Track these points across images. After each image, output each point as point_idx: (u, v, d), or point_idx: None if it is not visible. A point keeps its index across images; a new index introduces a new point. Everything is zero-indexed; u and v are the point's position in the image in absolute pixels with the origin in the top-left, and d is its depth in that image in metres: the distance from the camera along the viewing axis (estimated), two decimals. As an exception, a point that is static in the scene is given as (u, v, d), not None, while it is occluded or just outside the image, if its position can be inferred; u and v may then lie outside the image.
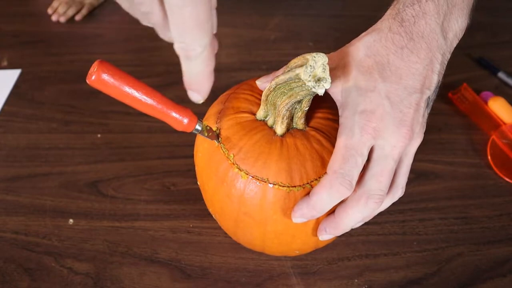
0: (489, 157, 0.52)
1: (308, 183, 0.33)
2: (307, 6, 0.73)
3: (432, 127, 0.57)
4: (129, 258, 0.42)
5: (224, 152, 0.34)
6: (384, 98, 0.31)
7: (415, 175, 0.51)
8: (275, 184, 0.33)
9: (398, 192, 0.35)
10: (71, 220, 0.45)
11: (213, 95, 0.42)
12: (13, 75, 0.62)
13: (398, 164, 0.34)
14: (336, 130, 0.35)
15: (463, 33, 0.35)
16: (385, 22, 0.34)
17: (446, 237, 0.45)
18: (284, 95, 0.33)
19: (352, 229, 0.45)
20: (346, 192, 0.31)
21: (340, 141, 0.32)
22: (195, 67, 0.29)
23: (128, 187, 0.49)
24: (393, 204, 0.48)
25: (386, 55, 0.32)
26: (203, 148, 0.37)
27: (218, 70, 0.65)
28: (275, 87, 0.33)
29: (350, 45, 0.35)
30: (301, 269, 0.42)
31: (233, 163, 0.34)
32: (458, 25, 0.34)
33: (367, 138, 0.31)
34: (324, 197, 0.32)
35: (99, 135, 0.54)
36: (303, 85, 0.30)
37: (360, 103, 0.32)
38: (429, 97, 0.33)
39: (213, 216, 0.40)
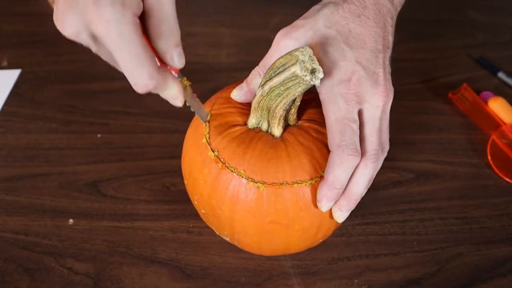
0: (489, 157, 0.52)
1: (323, 171, 0.34)
2: (307, 6, 0.73)
3: (432, 127, 0.57)
4: (129, 258, 0.42)
5: (232, 170, 0.34)
6: (356, 64, 0.34)
7: (415, 175, 0.51)
8: (294, 184, 0.33)
9: (386, 147, 0.36)
10: (71, 220, 0.45)
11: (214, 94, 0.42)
12: (13, 75, 0.62)
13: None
14: (319, 131, 0.36)
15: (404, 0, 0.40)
16: None
17: (446, 237, 0.45)
18: (280, 96, 0.33)
19: (352, 229, 0.45)
20: (355, 159, 0.33)
21: (330, 117, 0.34)
22: (166, 95, 0.31)
23: (128, 187, 0.49)
24: (393, 204, 0.48)
25: (346, 24, 0.35)
26: (204, 175, 0.35)
27: (218, 70, 0.65)
28: (269, 91, 0.33)
29: (307, 18, 0.36)
30: (301, 269, 0.42)
31: (247, 178, 0.33)
32: None
33: (353, 105, 0.33)
34: (339, 173, 0.33)
35: (99, 135, 0.54)
36: (301, 81, 0.31)
37: (334, 75, 0.34)
38: (389, 56, 0.36)
39: (229, 239, 0.39)
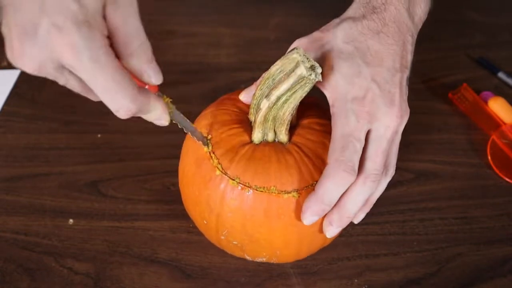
0: (489, 157, 0.52)
1: None
2: (307, 6, 0.73)
3: (432, 127, 0.57)
4: (129, 258, 0.42)
5: (262, 191, 0.33)
6: (371, 82, 0.33)
7: (415, 175, 0.51)
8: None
9: (391, 170, 0.36)
10: (71, 220, 0.45)
11: (215, 95, 0.42)
12: (13, 75, 0.62)
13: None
14: (320, 123, 0.36)
15: (426, 17, 0.38)
16: (358, 10, 0.36)
17: (446, 237, 0.45)
18: (287, 102, 0.33)
19: (352, 229, 0.45)
20: (350, 178, 0.32)
21: (337, 130, 0.33)
22: (150, 117, 0.31)
23: (128, 187, 0.49)
24: (393, 204, 0.48)
25: (364, 40, 0.34)
26: (229, 206, 0.34)
27: (218, 70, 0.65)
28: (276, 100, 0.32)
29: (325, 32, 0.36)
30: (301, 269, 0.42)
31: (279, 192, 0.33)
32: (421, 9, 0.37)
33: (363, 123, 0.32)
34: (330, 187, 0.32)
35: (99, 135, 0.54)
36: (307, 81, 0.31)
37: (349, 91, 0.33)
38: (408, 76, 0.35)
39: (265, 259, 0.38)
